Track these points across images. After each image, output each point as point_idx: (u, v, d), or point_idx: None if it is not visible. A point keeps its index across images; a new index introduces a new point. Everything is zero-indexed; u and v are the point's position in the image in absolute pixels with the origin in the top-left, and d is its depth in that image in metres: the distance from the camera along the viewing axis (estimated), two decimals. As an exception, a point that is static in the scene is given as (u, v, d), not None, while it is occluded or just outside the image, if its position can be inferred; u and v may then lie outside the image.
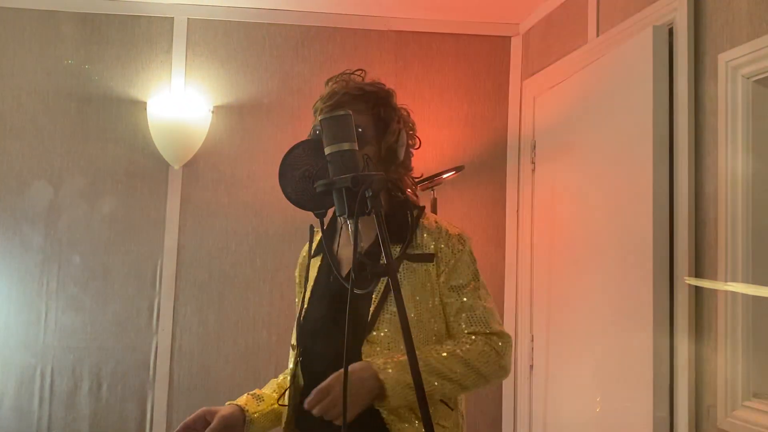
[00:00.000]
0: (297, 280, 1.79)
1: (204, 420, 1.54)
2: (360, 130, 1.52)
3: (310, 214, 1.40)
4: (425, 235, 1.60)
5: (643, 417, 2.07)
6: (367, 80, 1.67)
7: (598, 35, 2.59)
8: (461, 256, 1.61)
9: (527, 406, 3.02)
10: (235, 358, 3.04)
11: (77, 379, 2.96)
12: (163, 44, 3.11)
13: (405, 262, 1.57)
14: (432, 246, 1.59)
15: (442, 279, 1.58)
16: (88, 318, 2.98)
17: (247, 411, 1.59)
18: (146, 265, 3.03)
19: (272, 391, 1.69)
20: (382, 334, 1.52)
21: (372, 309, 1.54)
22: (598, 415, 2.36)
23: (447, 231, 1.62)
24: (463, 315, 1.57)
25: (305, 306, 1.66)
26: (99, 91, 3.07)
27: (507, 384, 3.17)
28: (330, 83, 1.65)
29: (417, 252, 1.58)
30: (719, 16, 1.95)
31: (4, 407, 2.92)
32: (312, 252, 1.67)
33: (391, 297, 1.52)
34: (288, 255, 3.10)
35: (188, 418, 1.54)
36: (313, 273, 1.70)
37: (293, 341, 1.66)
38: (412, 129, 1.71)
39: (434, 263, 1.58)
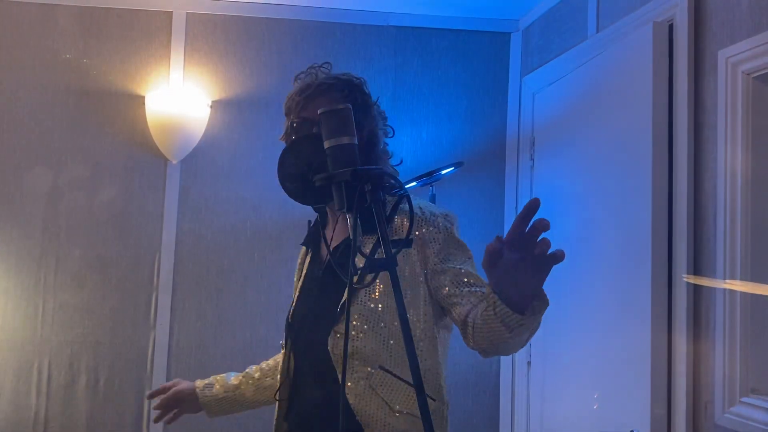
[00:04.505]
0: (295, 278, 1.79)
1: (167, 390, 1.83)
2: None
3: (309, 208, 1.40)
4: (404, 219, 1.54)
5: (641, 413, 2.07)
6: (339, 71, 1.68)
7: (598, 31, 2.58)
8: (450, 233, 1.55)
9: (525, 402, 3.02)
10: (232, 353, 3.04)
11: (75, 374, 2.96)
12: (162, 38, 3.09)
13: (379, 250, 1.55)
14: (406, 228, 1.52)
15: (432, 258, 1.52)
16: (86, 313, 2.98)
17: (199, 394, 1.84)
18: (144, 260, 3.02)
19: (238, 381, 1.87)
20: (350, 323, 1.52)
21: (343, 300, 1.54)
22: (596, 411, 2.37)
23: (430, 212, 1.56)
24: (464, 280, 1.50)
25: (293, 303, 1.68)
26: (97, 86, 3.06)
27: (504, 380, 3.17)
28: (299, 79, 1.66)
29: (393, 238, 1.52)
30: (720, 12, 1.95)
31: (2, 402, 2.92)
32: (323, 225, 1.62)
33: (362, 289, 1.51)
34: (286, 250, 3.10)
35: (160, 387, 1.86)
36: (304, 268, 1.71)
37: (282, 340, 1.68)
38: (385, 118, 1.71)
39: (415, 248, 1.52)
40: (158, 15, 3.10)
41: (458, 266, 1.51)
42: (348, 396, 1.49)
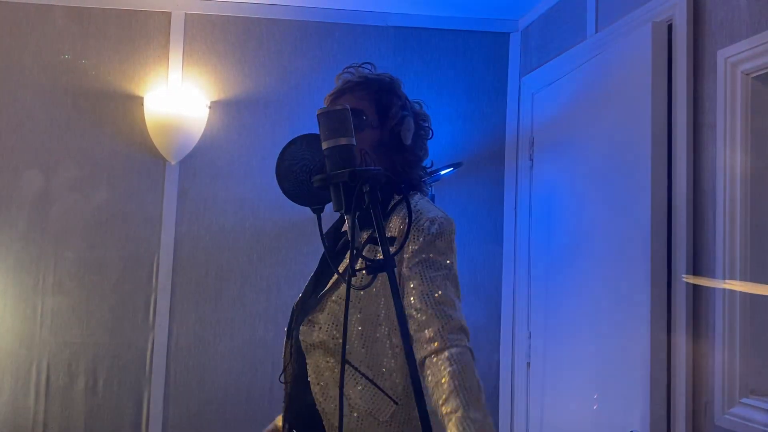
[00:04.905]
0: None
1: None
2: (364, 117, 1.60)
3: (308, 209, 1.40)
4: (397, 218, 1.55)
5: (641, 414, 2.07)
6: (378, 71, 1.73)
7: (596, 31, 2.58)
8: (432, 238, 1.51)
9: (524, 402, 3.02)
10: (231, 354, 3.04)
11: (73, 375, 2.95)
12: (161, 39, 3.09)
13: (369, 245, 1.55)
14: (399, 228, 1.52)
15: (406, 260, 1.50)
16: (84, 313, 2.97)
17: (278, 423, 1.76)
18: (143, 261, 3.02)
19: None
20: (321, 315, 1.55)
21: (323, 291, 1.57)
22: (596, 412, 2.36)
23: (421, 212, 1.54)
24: (430, 294, 1.46)
25: (301, 293, 1.71)
26: (96, 86, 3.05)
27: (504, 381, 3.17)
28: (338, 78, 1.70)
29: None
30: (718, 12, 1.95)
31: (0, 404, 2.91)
32: (320, 225, 1.57)
33: (343, 282, 1.52)
34: (285, 250, 3.10)
35: None
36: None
37: (286, 327, 1.71)
38: (425, 120, 1.72)
39: (396, 247, 1.50)
40: (157, 15, 3.09)
41: (429, 276, 1.48)
42: (313, 387, 1.52)
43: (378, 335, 1.52)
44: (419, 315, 1.45)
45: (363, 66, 1.71)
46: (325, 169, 1.26)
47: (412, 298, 1.48)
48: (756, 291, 1.81)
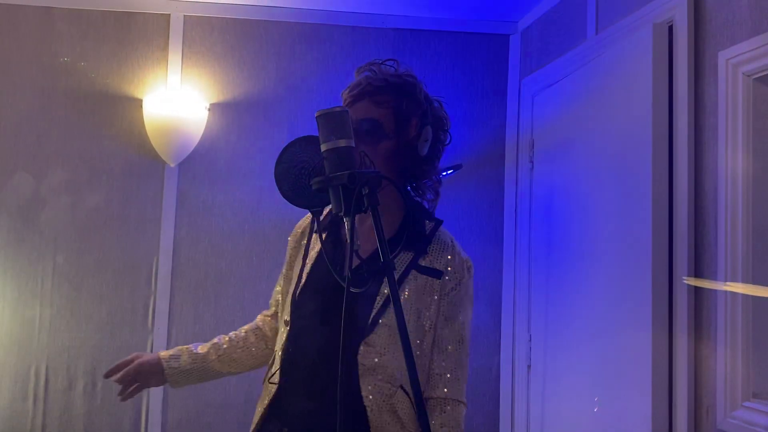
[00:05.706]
0: (289, 252, 1.82)
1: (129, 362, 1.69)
2: (381, 129, 1.57)
3: (307, 211, 1.39)
4: (440, 249, 1.60)
5: (642, 417, 2.06)
6: (401, 70, 1.69)
7: (597, 33, 2.57)
8: (465, 288, 1.61)
9: (525, 406, 3.01)
10: (231, 358, 3.03)
11: (72, 379, 2.94)
12: (160, 41, 3.09)
13: (413, 271, 1.56)
14: (442, 262, 1.58)
15: (443, 301, 1.58)
16: (83, 317, 2.96)
17: (165, 365, 1.72)
18: (142, 264, 3.01)
19: (206, 351, 1.80)
20: (378, 336, 1.52)
21: (374, 312, 1.53)
22: (596, 415, 2.35)
23: (459, 253, 1.62)
24: (441, 363, 1.57)
25: (302, 282, 1.64)
26: (95, 89, 3.05)
27: (505, 384, 3.15)
28: (359, 72, 1.66)
29: (426, 265, 1.57)
30: (720, 13, 1.94)
31: (-1, 406, 2.90)
32: (319, 227, 1.50)
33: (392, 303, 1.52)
34: (284, 253, 3.07)
35: (119, 362, 1.69)
36: (316, 248, 1.67)
37: (286, 317, 1.64)
38: (444, 123, 1.70)
39: (440, 280, 1.57)
40: (156, 18, 3.09)
41: (461, 322, 1.58)
42: (368, 408, 1.50)
43: (421, 362, 1.55)
44: (442, 357, 1.56)
45: (386, 63, 1.67)
46: (323, 171, 1.25)
47: (433, 356, 1.57)
48: (758, 293, 1.80)
